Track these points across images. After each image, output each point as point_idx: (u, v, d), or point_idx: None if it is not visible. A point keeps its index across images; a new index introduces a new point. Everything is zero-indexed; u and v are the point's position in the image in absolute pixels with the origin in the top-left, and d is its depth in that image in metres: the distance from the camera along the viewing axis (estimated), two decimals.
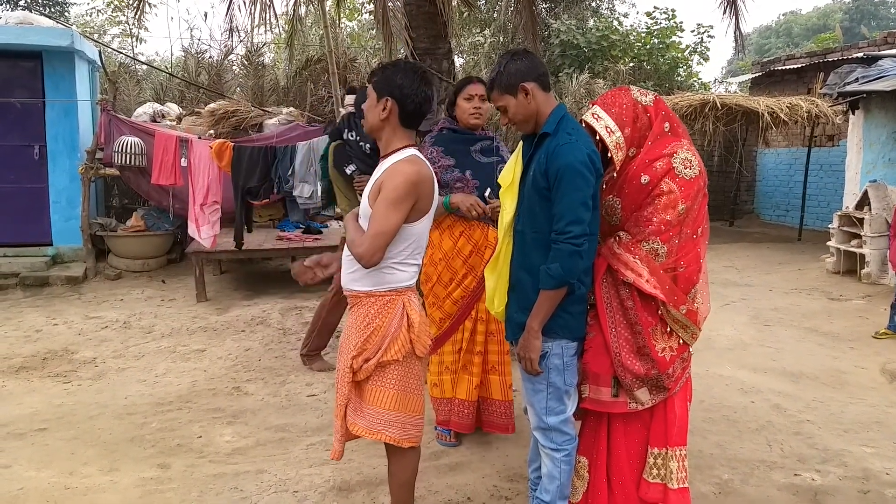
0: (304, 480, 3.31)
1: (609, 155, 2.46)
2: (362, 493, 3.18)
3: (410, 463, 2.61)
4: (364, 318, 2.48)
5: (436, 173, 3.23)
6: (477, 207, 3.33)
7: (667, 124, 2.51)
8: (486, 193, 3.38)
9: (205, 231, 7.02)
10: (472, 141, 3.57)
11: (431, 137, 3.60)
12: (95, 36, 14.58)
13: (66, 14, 18.57)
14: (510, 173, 2.63)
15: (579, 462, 2.65)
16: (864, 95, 8.39)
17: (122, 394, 4.55)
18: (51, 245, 8.42)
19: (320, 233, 8.11)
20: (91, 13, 17.94)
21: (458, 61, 14.11)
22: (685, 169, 2.45)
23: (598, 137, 2.46)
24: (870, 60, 9.16)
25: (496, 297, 2.67)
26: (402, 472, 2.61)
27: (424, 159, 2.49)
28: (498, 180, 2.74)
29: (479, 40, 14.78)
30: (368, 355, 2.46)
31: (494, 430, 3.60)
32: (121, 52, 12.14)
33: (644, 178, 2.44)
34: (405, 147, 2.47)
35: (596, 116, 2.51)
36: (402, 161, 2.40)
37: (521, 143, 2.65)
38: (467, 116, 3.50)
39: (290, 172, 7.22)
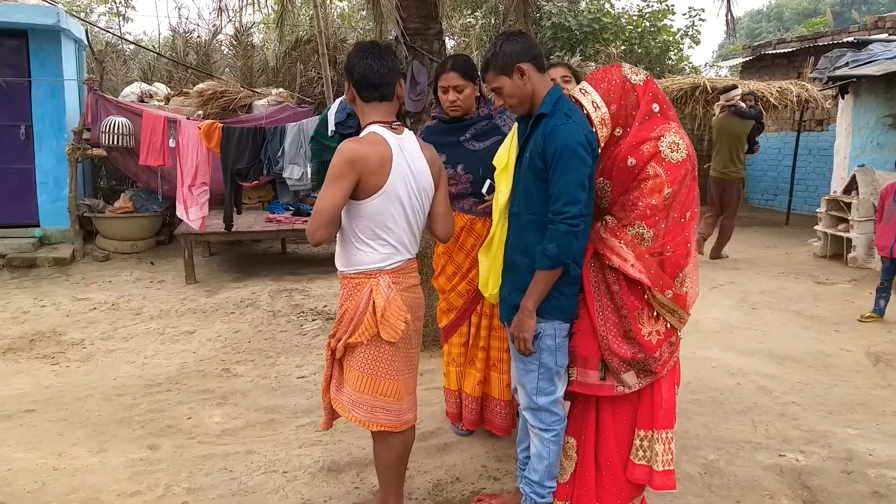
0: (294, 461, 3.32)
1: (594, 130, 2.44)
2: (352, 473, 3.20)
3: (392, 446, 2.62)
4: (340, 298, 2.56)
5: None
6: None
7: (655, 105, 2.49)
8: (485, 189, 3.18)
9: (193, 213, 6.98)
10: (463, 128, 3.35)
11: (421, 133, 3.43)
12: (82, 14, 14.36)
13: None
14: (505, 155, 2.62)
15: (568, 443, 2.67)
16: (854, 80, 8.41)
17: (110, 375, 4.54)
18: (38, 226, 8.36)
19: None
20: None
21: (450, 43, 14.01)
22: (672, 153, 2.44)
23: (584, 112, 2.45)
24: (860, 45, 9.18)
25: (490, 280, 2.68)
26: (384, 454, 2.63)
27: (385, 136, 2.43)
28: (493, 162, 2.71)
29: (470, 22, 14.68)
30: (340, 335, 2.52)
31: (493, 429, 3.49)
32: (108, 31, 11.97)
33: (631, 161, 2.43)
34: (370, 124, 2.48)
35: (583, 91, 2.50)
36: (350, 139, 2.43)
37: (515, 124, 2.63)
38: (447, 108, 3.33)
39: (279, 154, 7.17)
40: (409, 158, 2.48)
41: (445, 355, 3.57)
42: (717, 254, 8.54)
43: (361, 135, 2.48)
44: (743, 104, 8.29)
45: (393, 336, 2.46)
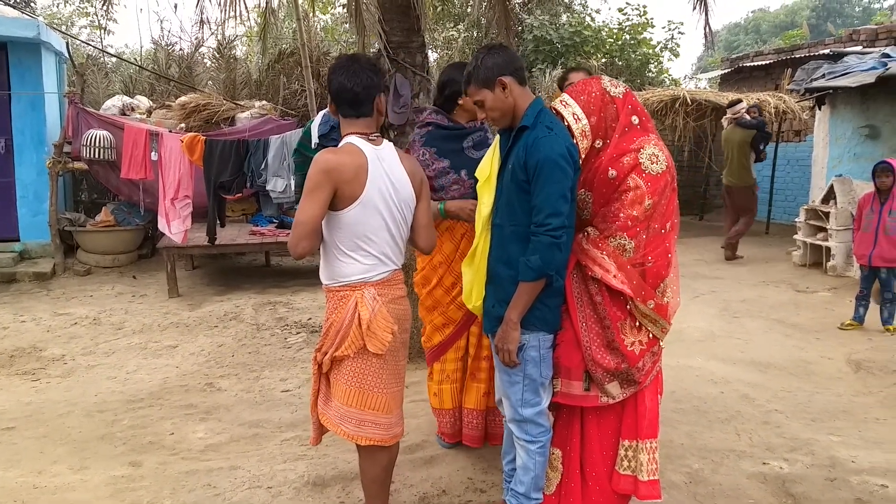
0: (279, 476, 3.29)
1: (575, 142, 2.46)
2: (337, 487, 3.18)
3: (378, 460, 2.60)
4: (326, 311, 2.55)
5: (430, 177, 3.13)
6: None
7: (635, 118, 2.53)
8: None
9: (175, 226, 6.94)
10: (464, 136, 3.36)
11: (421, 137, 3.39)
12: (63, 27, 14.27)
13: (32, 4, 18.12)
14: (487, 167, 2.63)
15: (553, 454, 2.67)
16: (831, 91, 8.56)
17: (92, 391, 4.48)
18: (18, 241, 8.26)
19: None
20: (58, 4, 17.56)
21: (433, 56, 14.09)
22: (652, 164, 2.47)
23: (565, 124, 2.48)
24: (836, 57, 9.34)
25: (473, 292, 2.68)
26: (370, 469, 2.62)
27: (362, 146, 2.44)
28: (475, 174, 2.73)
29: (452, 35, 14.78)
30: (326, 349, 2.51)
31: (500, 443, 3.25)
32: (89, 44, 11.91)
33: (611, 173, 2.46)
34: (347, 135, 2.51)
35: (564, 103, 2.53)
36: (325, 150, 2.46)
37: (497, 136, 2.65)
38: (476, 117, 3.25)
39: (262, 166, 7.17)
40: (387, 169, 2.49)
41: (437, 373, 3.46)
42: (731, 254, 9.15)
43: (339, 146, 2.50)
44: (747, 116, 9.04)
45: (380, 348, 2.45)
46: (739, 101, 9.40)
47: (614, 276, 2.44)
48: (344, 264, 2.48)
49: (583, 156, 2.49)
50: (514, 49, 2.87)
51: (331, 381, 2.56)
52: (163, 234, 7.26)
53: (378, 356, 2.48)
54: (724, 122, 9.63)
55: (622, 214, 2.45)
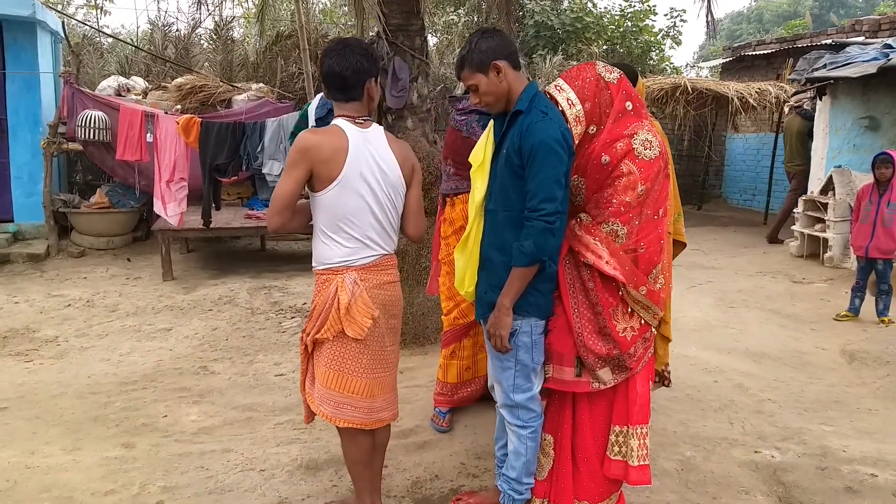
0: (272, 459, 3.29)
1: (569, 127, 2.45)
2: (330, 471, 3.18)
3: (359, 443, 2.61)
4: (313, 294, 2.59)
5: None
6: None
7: (629, 103, 2.51)
8: None
9: (171, 208, 6.90)
10: None
11: (478, 121, 3.46)
12: (59, 6, 14.12)
13: None
14: (481, 152, 2.61)
15: (545, 440, 2.67)
16: (832, 82, 8.51)
17: (85, 373, 4.47)
18: (12, 221, 8.21)
19: None
20: None
21: (432, 40, 13.99)
22: (645, 150, 2.45)
23: (559, 109, 2.46)
24: (838, 47, 9.29)
25: (466, 278, 2.66)
26: (350, 451, 2.64)
27: (346, 128, 2.45)
28: (469, 159, 2.71)
29: (453, 19, 14.66)
30: (309, 330, 2.54)
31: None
32: (85, 24, 11.79)
33: (605, 159, 2.44)
34: (336, 118, 2.52)
35: (559, 88, 2.52)
36: (306, 130, 2.53)
37: (491, 121, 2.63)
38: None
39: (259, 149, 7.12)
40: (373, 152, 2.49)
41: (448, 356, 3.68)
42: (773, 236, 9.66)
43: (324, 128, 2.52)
44: (807, 106, 9.50)
45: (358, 333, 2.47)
46: (804, 90, 9.80)
47: (606, 262, 2.43)
48: (326, 247, 2.49)
49: (576, 141, 2.47)
50: (513, 35, 2.84)
51: (314, 362, 2.59)
52: (157, 217, 7.22)
53: (358, 341, 2.50)
54: (786, 108, 10.27)
55: (615, 200, 2.44)
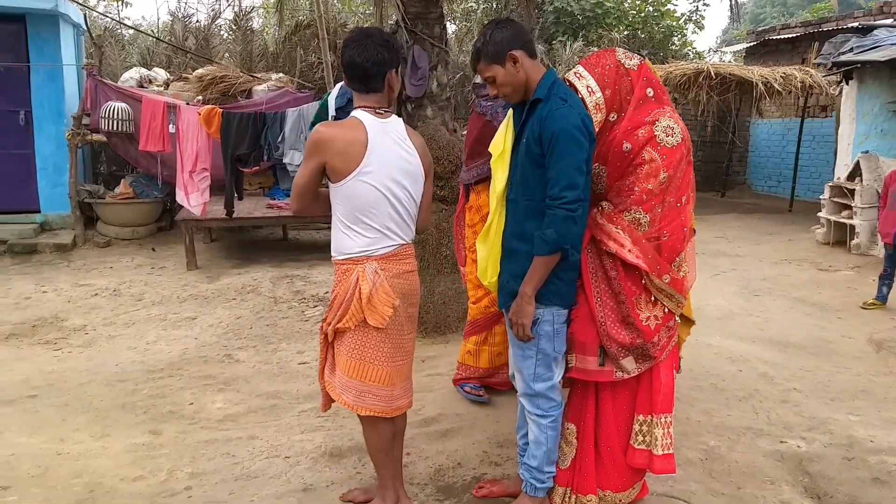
0: (296, 446, 3.33)
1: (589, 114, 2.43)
2: (353, 458, 3.21)
3: (381, 431, 2.63)
4: (333, 283, 2.61)
5: None
6: None
7: (650, 90, 2.48)
8: None
9: (194, 198, 6.97)
10: None
11: (503, 107, 3.43)
12: None
13: None
14: (501, 142, 2.60)
15: (568, 429, 2.67)
16: (859, 66, 8.35)
17: (112, 361, 4.54)
18: (38, 212, 8.34)
19: None
20: None
21: (451, 28, 13.92)
22: (667, 137, 2.42)
23: (579, 97, 2.44)
24: (865, 30, 9.11)
25: (489, 268, 2.66)
26: (373, 438, 2.66)
27: (365, 120, 2.46)
28: (489, 149, 2.70)
29: (471, 6, 14.57)
30: (330, 320, 2.56)
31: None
32: (106, 16, 11.89)
33: (626, 146, 2.42)
34: (356, 108, 2.54)
35: (578, 75, 2.49)
36: (323, 122, 2.56)
37: (510, 111, 2.61)
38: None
39: (279, 139, 7.15)
40: (393, 142, 2.49)
41: (480, 343, 3.76)
42: None
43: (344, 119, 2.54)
44: None
45: (380, 322, 2.48)
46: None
47: (629, 251, 2.41)
48: (347, 237, 2.51)
49: (597, 129, 2.45)
50: (533, 21, 2.83)
51: (334, 351, 2.61)
52: (181, 207, 7.29)
53: (379, 330, 2.51)
54: None
55: (637, 188, 2.42)
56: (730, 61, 16.53)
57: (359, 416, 2.64)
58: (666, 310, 2.51)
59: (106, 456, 3.25)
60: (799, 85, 10.30)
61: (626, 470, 2.63)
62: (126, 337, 5.06)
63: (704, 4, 16.78)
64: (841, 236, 8.29)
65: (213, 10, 11.57)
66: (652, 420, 2.55)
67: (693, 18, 16.36)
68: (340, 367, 2.57)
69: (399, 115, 2.75)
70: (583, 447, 2.66)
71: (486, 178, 3.49)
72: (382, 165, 2.45)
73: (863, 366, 4.56)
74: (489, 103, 3.59)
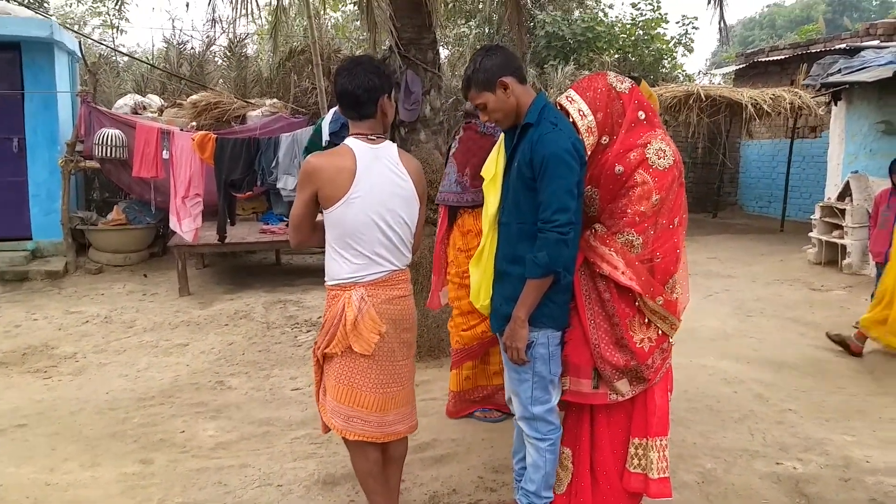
0: (289, 474, 3.29)
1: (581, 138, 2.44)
2: (347, 486, 3.17)
3: (367, 455, 2.60)
4: (324, 308, 2.64)
5: None
6: None
7: (641, 113, 2.50)
8: None
9: (186, 224, 6.96)
10: None
11: (494, 126, 3.42)
12: (75, 27, 14.35)
13: (45, 4, 18.26)
14: (493, 166, 2.61)
15: (563, 453, 2.65)
16: (847, 86, 8.45)
17: (103, 389, 4.50)
18: (30, 239, 8.31)
19: None
20: (71, 3, 17.65)
21: (444, 53, 14.06)
22: (659, 159, 2.44)
23: (570, 120, 2.45)
24: (852, 52, 9.23)
25: (481, 291, 2.66)
26: (360, 463, 2.63)
27: (356, 148, 2.47)
28: (481, 173, 2.71)
29: (464, 31, 14.74)
30: (320, 344, 2.57)
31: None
32: (101, 44, 11.99)
33: (618, 169, 2.44)
34: (349, 136, 2.56)
35: (570, 99, 2.51)
36: (314, 153, 2.58)
37: (502, 135, 2.63)
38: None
39: (273, 164, 7.17)
40: (384, 168, 2.49)
41: (472, 368, 3.83)
42: None
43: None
44: None
45: (366, 349, 2.47)
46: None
47: (622, 273, 2.41)
48: (336, 263, 2.52)
49: (589, 152, 2.46)
50: (525, 46, 2.86)
51: (325, 375, 2.62)
52: (173, 233, 7.28)
53: (366, 356, 2.49)
54: None
55: (629, 210, 2.43)
56: (719, 83, 16.71)
57: (345, 440, 2.62)
58: (660, 332, 2.51)
59: (96, 486, 3.20)
60: (788, 106, 10.43)
61: (622, 494, 2.60)
62: (117, 364, 5.01)
63: (694, 28, 16.96)
64: (832, 256, 8.33)
65: (207, 36, 11.67)
66: (647, 443, 2.54)
67: (682, 41, 16.58)
68: (329, 391, 2.57)
69: (392, 140, 2.77)
70: (578, 471, 2.64)
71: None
72: (372, 191, 2.45)
73: (857, 386, 4.56)
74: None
